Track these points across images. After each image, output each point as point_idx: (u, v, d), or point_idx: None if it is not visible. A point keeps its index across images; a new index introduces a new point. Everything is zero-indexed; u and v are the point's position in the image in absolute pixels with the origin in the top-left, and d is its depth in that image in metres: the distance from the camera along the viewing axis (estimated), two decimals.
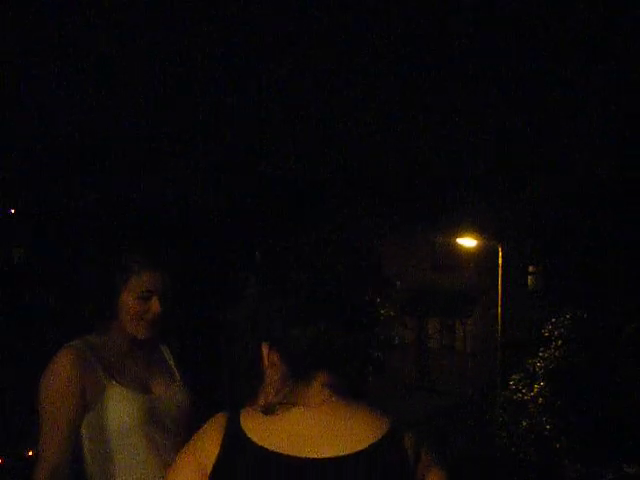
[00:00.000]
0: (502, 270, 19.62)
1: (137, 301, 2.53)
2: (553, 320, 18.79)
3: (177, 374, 2.65)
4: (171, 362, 2.67)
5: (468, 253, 23.07)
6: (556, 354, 18.48)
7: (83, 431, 2.48)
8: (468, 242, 21.33)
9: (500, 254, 19.83)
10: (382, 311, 20.34)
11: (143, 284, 2.52)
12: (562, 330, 18.58)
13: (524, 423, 18.51)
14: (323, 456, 1.66)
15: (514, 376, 18.92)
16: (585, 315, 18.60)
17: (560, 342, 18.54)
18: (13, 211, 36.91)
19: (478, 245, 21.27)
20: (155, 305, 2.52)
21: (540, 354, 18.68)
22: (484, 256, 22.21)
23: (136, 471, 2.48)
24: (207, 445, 1.71)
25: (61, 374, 2.46)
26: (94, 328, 2.63)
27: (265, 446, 1.67)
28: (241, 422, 1.71)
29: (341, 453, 1.66)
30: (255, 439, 1.68)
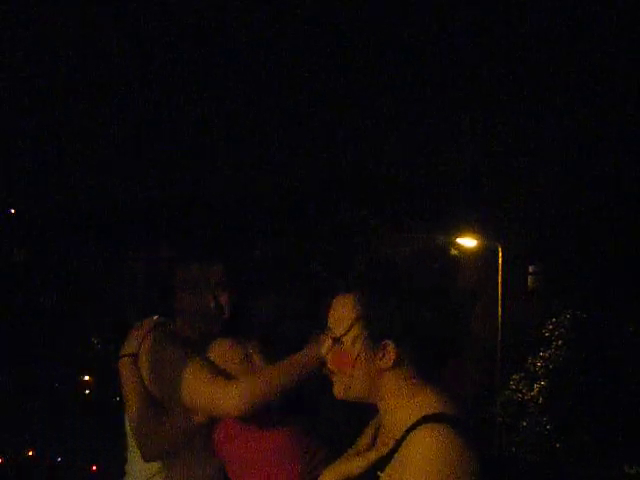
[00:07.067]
0: (502, 270, 19.60)
1: (193, 297, 2.42)
2: (553, 320, 18.80)
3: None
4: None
5: (468, 253, 23.06)
6: (556, 354, 18.49)
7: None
8: (468, 242, 21.30)
9: (500, 254, 19.81)
10: None
11: (196, 278, 2.41)
12: (562, 330, 18.58)
13: (524, 423, 18.51)
14: None
15: (514, 376, 18.91)
16: (585, 315, 18.60)
17: (560, 342, 18.54)
18: (13, 211, 36.95)
19: (478, 245, 21.25)
20: (211, 299, 2.41)
21: (540, 354, 18.69)
22: (484, 256, 22.19)
23: (196, 470, 2.42)
24: None
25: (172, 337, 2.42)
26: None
27: None
28: None
29: None
30: None
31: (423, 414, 1.67)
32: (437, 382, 1.74)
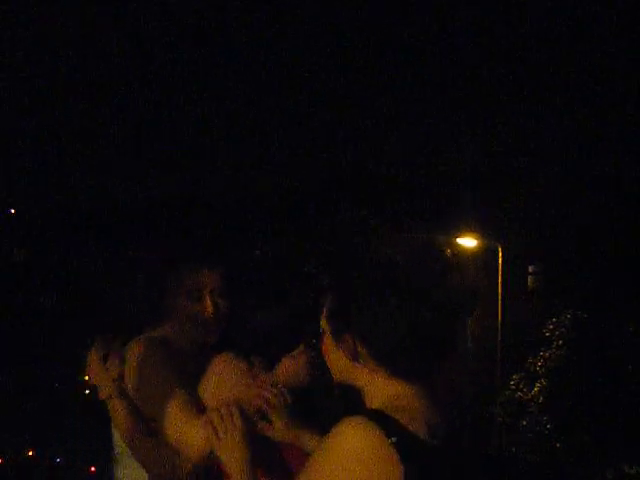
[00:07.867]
0: (502, 270, 19.60)
1: (188, 301, 2.32)
2: (554, 320, 18.79)
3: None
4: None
5: (468, 253, 23.05)
6: (557, 354, 18.48)
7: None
8: (468, 242, 21.30)
9: (500, 254, 19.81)
10: None
11: (192, 282, 2.31)
12: (563, 330, 18.58)
13: (524, 423, 18.50)
14: None
15: (514, 376, 18.90)
16: (585, 315, 18.60)
17: (561, 342, 18.54)
18: (13, 211, 36.93)
19: (478, 245, 21.24)
20: (207, 305, 2.31)
21: (540, 354, 18.68)
22: (484, 256, 22.20)
23: None
24: None
25: (151, 358, 2.32)
26: (141, 330, 2.46)
27: None
28: None
29: None
30: None
31: (366, 407, 1.68)
32: (414, 379, 1.70)
